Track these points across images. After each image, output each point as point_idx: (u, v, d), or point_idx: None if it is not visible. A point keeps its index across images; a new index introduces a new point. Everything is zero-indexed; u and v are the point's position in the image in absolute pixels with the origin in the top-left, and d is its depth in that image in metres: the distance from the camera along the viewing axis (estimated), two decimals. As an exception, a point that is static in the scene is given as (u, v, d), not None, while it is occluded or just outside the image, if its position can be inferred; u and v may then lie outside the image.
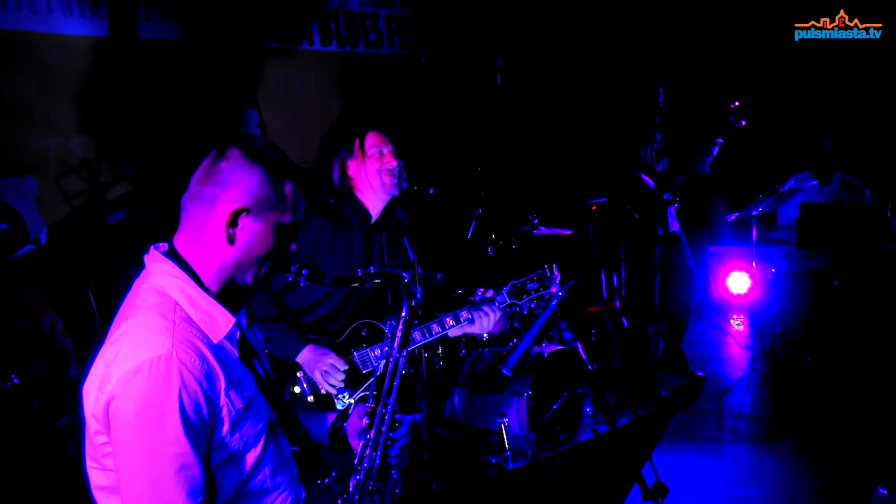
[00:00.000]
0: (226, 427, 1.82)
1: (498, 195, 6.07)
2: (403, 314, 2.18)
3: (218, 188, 1.86)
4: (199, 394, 1.75)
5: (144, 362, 1.71)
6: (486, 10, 7.21)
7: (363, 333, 3.43)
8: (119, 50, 4.83)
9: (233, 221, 1.85)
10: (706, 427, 5.23)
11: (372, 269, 2.15)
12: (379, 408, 2.16)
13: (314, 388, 3.32)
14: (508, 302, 3.47)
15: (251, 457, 1.89)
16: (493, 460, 4.52)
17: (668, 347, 5.98)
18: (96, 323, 4.48)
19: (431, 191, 4.92)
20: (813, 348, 5.99)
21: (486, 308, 3.42)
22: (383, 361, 2.21)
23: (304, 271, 2.03)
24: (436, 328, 3.39)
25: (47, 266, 4.53)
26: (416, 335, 3.33)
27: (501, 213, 5.91)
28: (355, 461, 2.15)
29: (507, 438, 4.47)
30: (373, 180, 3.41)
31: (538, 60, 7.59)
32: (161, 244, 1.93)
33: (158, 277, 1.87)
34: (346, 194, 3.45)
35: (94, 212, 4.73)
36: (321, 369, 3.25)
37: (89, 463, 1.88)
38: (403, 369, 2.19)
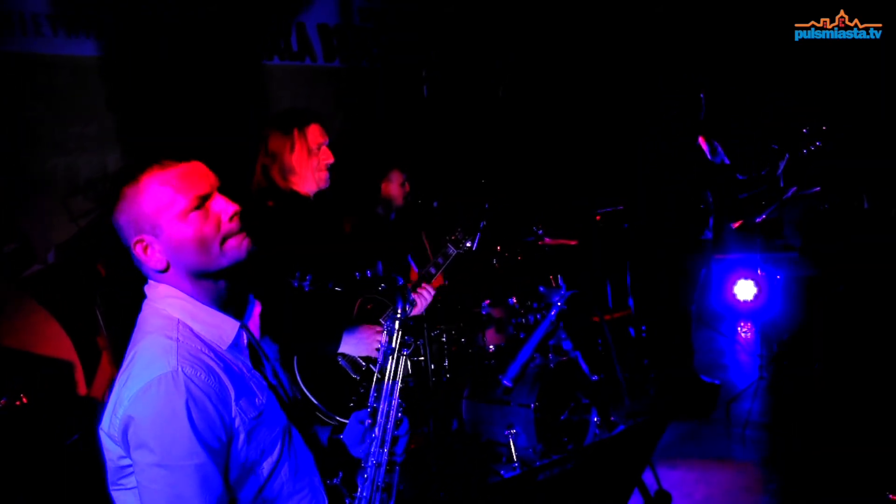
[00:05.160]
0: (242, 437, 1.85)
1: (502, 207, 6.08)
2: (399, 315, 2.26)
3: (122, 239, 1.92)
4: (209, 407, 1.79)
5: (152, 381, 1.75)
6: (487, 23, 7.25)
7: (368, 308, 3.52)
8: (125, 70, 4.89)
9: (146, 254, 1.90)
10: (714, 435, 5.22)
11: (369, 273, 2.25)
12: (382, 406, 2.21)
13: (356, 365, 3.44)
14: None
15: (268, 464, 1.93)
16: (503, 472, 4.52)
17: (675, 354, 5.94)
18: (105, 341, 4.51)
19: (435, 204, 4.95)
20: (820, 354, 5.97)
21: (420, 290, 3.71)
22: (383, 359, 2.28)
23: (307, 276, 2.10)
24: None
25: (55, 285, 4.57)
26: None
27: (506, 224, 5.92)
28: (362, 459, 2.20)
29: (515, 450, 4.47)
30: (311, 174, 3.45)
31: (539, 72, 7.61)
32: None
33: (159, 301, 1.93)
34: (288, 191, 3.47)
35: (100, 231, 4.77)
36: (366, 342, 3.37)
37: (113, 488, 1.92)
38: (405, 370, 2.26)
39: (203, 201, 1.90)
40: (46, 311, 4.48)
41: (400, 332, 2.27)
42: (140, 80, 4.95)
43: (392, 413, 2.21)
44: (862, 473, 4.40)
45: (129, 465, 1.83)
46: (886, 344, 5.52)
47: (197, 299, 1.93)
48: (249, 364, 1.99)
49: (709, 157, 5.53)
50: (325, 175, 3.47)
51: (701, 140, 5.53)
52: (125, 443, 1.79)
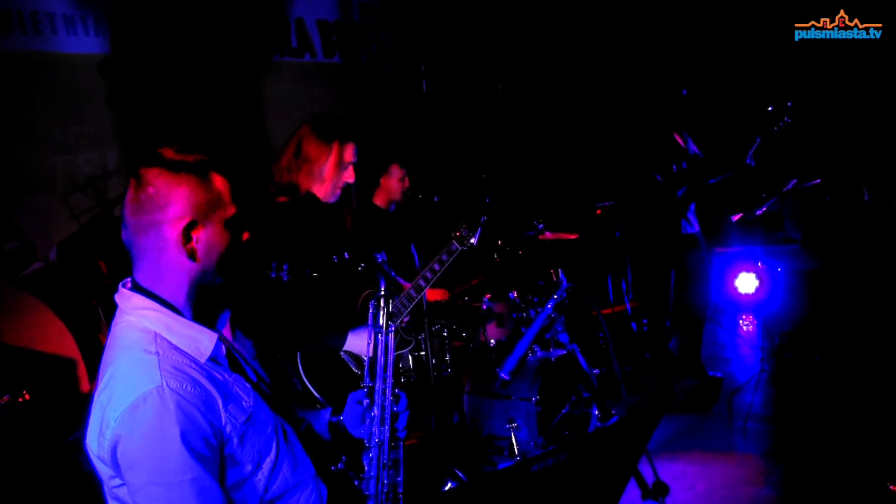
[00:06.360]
0: (234, 442, 1.84)
1: (503, 201, 6.08)
2: (383, 292, 2.28)
3: (156, 213, 1.84)
4: (199, 418, 1.76)
5: (138, 399, 1.71)
6: (486, 19, 7.25)
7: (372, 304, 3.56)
8: (124, 67, 4.89)
9: (186, 238, 1.85)
10: (716, 428, 5.23)
11: (347, 255, 2.25)
12: (378, 384, 2.21)
13: (358, 361, 3.50)
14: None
15: (267, 464, 1.92)
16: (501, 465, 4.53)
17: (683, 350, 5.96)
18: (106, 337, 4.51)
19: (436, 199, 4.96)
20: (821, 347, 5.97)
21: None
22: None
23: (284, 266, 2.11)
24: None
25: (57, 282, 4.58)
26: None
27: (507, 219, 5.92)
28: (365, 440, 2.20)
29: (517, 443, 4.48)
30: (330, 187, 3.51)
31: (538, 67, 7.61)
32: (126, 280, 1.93)
33: (132, 313, 1.87)
34: (305, 192, 3.51)
35: (101, 228, 4.79)
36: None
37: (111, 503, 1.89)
38: (397, 350, 2.30)
39: (236, 220, 1.93)
40: (48, 308, 4.49)
41: (385, 310, 2.27)
42: (139, 78, 4.96)
43: (388, 390, 2.21)
44: (862, 464, 4.42)
45: (122, 485, 1.79)
46: (887, 336, 5.53)
47: (177, 308, 1.89)
48: (229, 370, 1.96)
49: (682, 147, 5.57)
50: (339, 192, 3.54)
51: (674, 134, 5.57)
52: (115, 464, 1.76)
